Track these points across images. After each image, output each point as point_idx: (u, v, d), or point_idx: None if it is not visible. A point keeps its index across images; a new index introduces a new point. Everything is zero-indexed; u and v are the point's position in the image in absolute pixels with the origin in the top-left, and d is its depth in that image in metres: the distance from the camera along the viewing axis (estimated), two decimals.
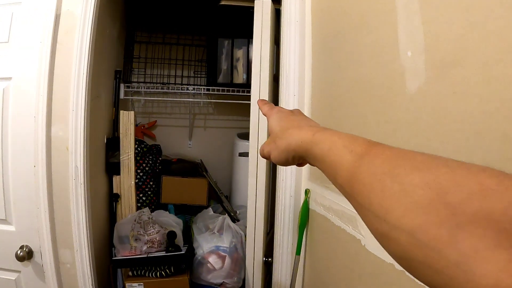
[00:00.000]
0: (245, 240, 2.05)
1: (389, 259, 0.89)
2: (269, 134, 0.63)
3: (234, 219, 2.27)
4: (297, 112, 0.65)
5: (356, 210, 0.37)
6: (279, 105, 1.88)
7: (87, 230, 1.94)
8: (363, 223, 0.36)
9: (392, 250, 0.31)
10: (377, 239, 0.33)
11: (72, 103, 1.89)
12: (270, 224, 2.19)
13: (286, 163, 0.56)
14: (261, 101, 0.73)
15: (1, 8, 2.02)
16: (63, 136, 1.91)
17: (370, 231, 0.34)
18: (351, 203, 0.38)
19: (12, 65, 1.97)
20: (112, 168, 2.38)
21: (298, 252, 1.73)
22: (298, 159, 0.54)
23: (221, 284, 2.01)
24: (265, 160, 1.92)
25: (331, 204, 1.41)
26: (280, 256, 1.87)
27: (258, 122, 1.91)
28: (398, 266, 0.84)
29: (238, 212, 2.45)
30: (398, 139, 0.94)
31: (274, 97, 1.98)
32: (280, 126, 0.59)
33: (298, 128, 0.54)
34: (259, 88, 1.91)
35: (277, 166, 1.90)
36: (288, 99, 1.85)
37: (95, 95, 2.05)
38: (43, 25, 1.90)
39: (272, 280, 1.93)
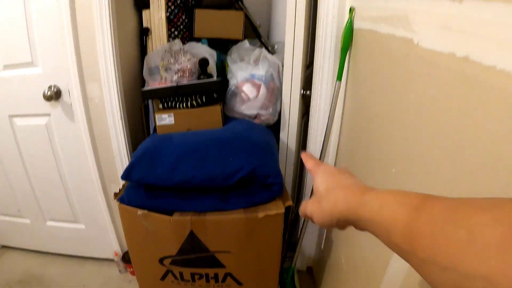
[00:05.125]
0: (282, 71, 1.90)
1: (447, 49, 0.72)
2: (313, 193, 0.60)
3: (271, 53, 2.11)
4: (345, 171, 0.60)
5: (418, 270, 0.34)
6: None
7: (114, 62, 1.86)
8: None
9: None
10: None
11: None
12: (309, 60, 2.03)
13: (329, 226, 0.53)
14: (305, 155, 0.71)
15: None
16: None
17: None
18: (411, 263, 0.35)
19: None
20: (141, 1, 2.20)
21: (339, 78, 1.58)
22: (344, 222, 0.50)
23: (256, 116, 1.92)
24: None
25: (379, 12, 1.20)
26: (320, 83, 1.73)
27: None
28: (459, 53, 0.68)
29: (276, 46, 2.28)
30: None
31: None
32: (326, 185, 0.56)
33: (345, 189, 0.51)
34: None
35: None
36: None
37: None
38: None
39: (310, 109, 1.83)
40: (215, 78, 1.89)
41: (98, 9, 1.76)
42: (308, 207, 0.58)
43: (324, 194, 0.54)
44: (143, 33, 2.26)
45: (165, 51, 1.95)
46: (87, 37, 1.84)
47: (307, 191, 2.08)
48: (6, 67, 2.00)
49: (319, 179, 0.59)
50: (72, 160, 2.19)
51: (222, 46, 2.32)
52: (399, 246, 0.37)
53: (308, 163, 0.67)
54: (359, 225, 0.47)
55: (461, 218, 0.29)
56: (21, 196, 2.44)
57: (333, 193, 0.53)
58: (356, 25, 1.50)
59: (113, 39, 1.82)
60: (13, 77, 2.01)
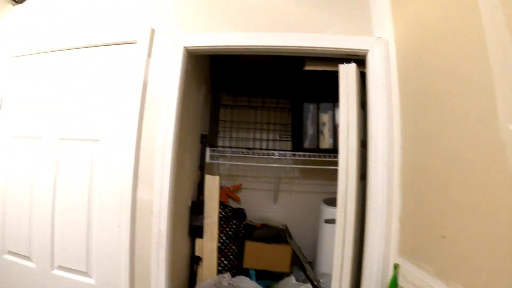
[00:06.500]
0: None
1: None
2: None
3: None
4: None
5: None
6: (368, 174, 1.82)
7: None
8: None
9: None
10: None
11: (158, 167, 1.96)
12: None
13: None
14: None
15: (93, 75, 2.22)
16: (148, 199, 1.98)
17: None
18: None
19: (101, 128, 2.12)
20: (195, 231, 2.40)
21: None
22: None
23: None
24: (352, 229, 1.84)
25: (423, 285, 1.26)
26: None
27: (346, 191, 1.82)
28: None
29: (321, 281, 2.32)
30: (499, 224, 0.81)
31: (362, 164, 1.89)
32: None
33: None
34: (347, 155, 1.84)
35: (365, 236, 1.78)
36: (376, 168, 1.76)
37: (181, 159, 2.11)
38: (131, 91, 2.05)
39: None
40: None
41: (156, 250, 1.92)
42: None
43: None
44: (194, 260, 2.39)
45: (214, 285, 2.03)
46: (142, 265, 1.95)
47: None
48: (60, 267, 2.14)
49: None
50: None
51: (269, 274, 2.39)
52: None
53: None
54: None
55: None
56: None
57: None
58: (401, 282, 1.54)
59: (167, 273, 1.93)
60: (64, 278, 2.12)
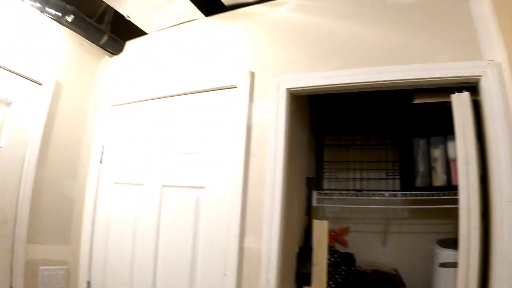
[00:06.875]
0: None
1: None
2: None
3: None
4: None
5: None
6: (492, 213, 1.61)
7: None
8: None
9: None
10: None
11: (266, 215, 1.94)
12: None
13: None
14: None
15: (194, 120, 2.31)
16: (255, 248, 1.95)
17: None
18: None
19: (205, 175, 2.17)
20: (303, 278, 2.30)
21: None
22: None
23: None
24: (475, 275, 1.63)
25: None
26: None
27: (469, 234, 1.62)
28: None
29: None
30: None
31: (483, 201, 1.69)
32: None
33: None
34: (468, 193, 1.65)
35: (490, 283, 1.56)
36: (502, 206, 1.55)
37: (289, 206, 2.07)
38: (235, 137, 2.09)
39: None
40: None
41: None
42: None
43: None
44: None
45: None
46: None
47: None
48: None
49: None
50: None
51: None
52: None
53: None
54: None
55: None
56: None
57: None
58: None
59: None
60: None
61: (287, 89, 2.05)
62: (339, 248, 2.80)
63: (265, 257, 1.91)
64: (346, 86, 1.99)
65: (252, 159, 2.02)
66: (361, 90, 2.03)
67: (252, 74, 2.14)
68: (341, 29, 2.07)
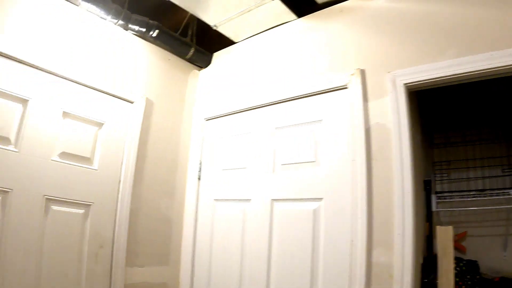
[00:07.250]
0: None
1: None
2: None
3: None
4: None
5: None
6: None
7: None
8: None
9: None
10: None
11: (397, 225, 1.75)
12: None
13: None
14: None
15: (302, 128, 2.15)
16: (385, 262, 1.77)
17: None
18: None
19: (321, 185, 2.00)
20: None
21: None
22: None
23: None
24: None
25: None
26: None
27: None
28: None
29: None
30: None
31: None
32: None
33: None
34: None
35: None
36: None
37: (416, 212, 1.87)
38: (352, 141, 1.91)
39: None
40: None
41: None
42: None
43: None
44: None
45: None
46: None
47: None
48: None
49: None
50: None
51: None
52: None
53: None
54: None
55: None
56: None
57: None
58: None
59: None
60: None
61: (404, 84, 1.86)
62: (460, 255, 2.55)
63: (397, 271, 1.72)
64: (469, 75, 1.75)
65: (375, 164, 1.84)
66: (485, 78, 1.79)
67: (362, 72, 1.97)
68: (450, 12, 1.86)
